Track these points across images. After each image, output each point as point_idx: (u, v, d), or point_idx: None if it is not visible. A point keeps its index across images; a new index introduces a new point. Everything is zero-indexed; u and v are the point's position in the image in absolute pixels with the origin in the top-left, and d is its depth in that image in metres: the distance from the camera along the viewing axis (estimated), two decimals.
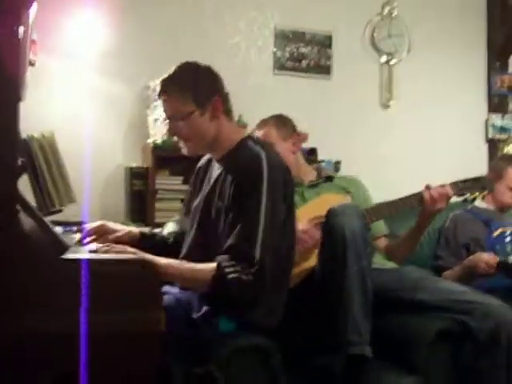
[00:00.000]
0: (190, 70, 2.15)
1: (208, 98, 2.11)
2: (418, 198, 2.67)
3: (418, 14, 4.35)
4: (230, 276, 1.91)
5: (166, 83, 2.14)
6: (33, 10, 1.59)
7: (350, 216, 2.25)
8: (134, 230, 2.40)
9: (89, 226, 2.29)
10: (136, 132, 3.68)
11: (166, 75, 2.15)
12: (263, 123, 2.83)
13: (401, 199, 2.73)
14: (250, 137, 2.23)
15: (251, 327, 2.10)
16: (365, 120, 4.20)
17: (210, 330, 2.07)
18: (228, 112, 2.19)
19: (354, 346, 2.18)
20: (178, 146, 2.25)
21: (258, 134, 2.77)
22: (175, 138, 2.23)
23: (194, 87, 2.10)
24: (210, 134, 2.15)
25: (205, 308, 2.08)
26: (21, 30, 1.43)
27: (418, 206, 2.69)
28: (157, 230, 2.51)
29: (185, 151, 2.21)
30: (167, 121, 2.18)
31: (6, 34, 1.38)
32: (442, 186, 2.67)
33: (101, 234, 2.27)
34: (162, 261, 1.93)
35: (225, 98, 2.18)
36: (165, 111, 2.18)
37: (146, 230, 2.48)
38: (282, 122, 2.83)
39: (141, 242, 2.31)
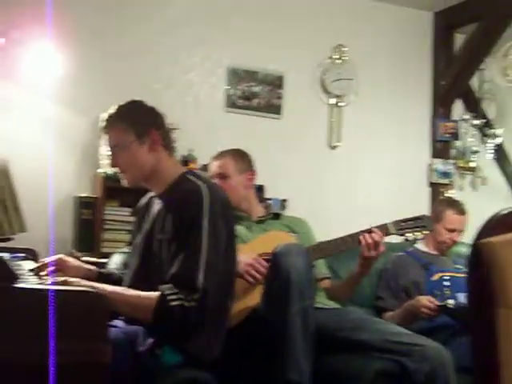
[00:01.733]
0: (133, 105, 2.26)
1: (147, 129, 2.18)
2: (356, 238, 2.74)
3: (367, 60, 4.50)
4: (173, 303, 1.94)
5: (110, 116, 2.24)
6: None
7: (296, 256, 2.30)
8: (92, 267, 2.42)
9: (48, 259, 2.29)
10: (87, 162, 3.69)
11: (111, 109, 2.23)
12: (221, 155, 2.88)
13: (341, 238, 2.79)
14: (190, 171, 2.30)
15: (193, 360, 2.11)
16: (312, 160, 4.29)
17: (154, 363, 2.07)
18: (168, 148, 2.24)
19: (295, 383, 2.22)
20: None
21: (215, 164, 2.82)
22: (117, 169, 2.28)
23: (134, 118, 2.20)
24: (148, 166, 2.20)
25: (149, 340, 2.09)
26: None
27: (357, 246, 2.75)
28: (112, 268, 2.52)
29: (125, 182, 2.26)
30: (109, 152, 2.24)
31: None
32: (382, 225, 2.75)
33: (59, 268, 2.27)
34: (108, 287, 1.98)
35: (165, 134, 2.24)
36: (108, 142, 2.24)
37: (104, 270, 2.50)
38: (240, 156, 2.88)
39: (98, 280, 2.32)
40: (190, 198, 2.08)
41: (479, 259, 0.77)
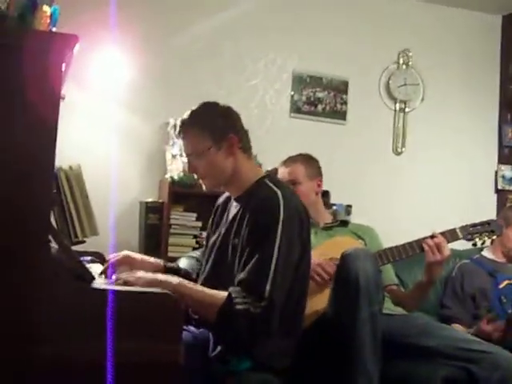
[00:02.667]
0: (208, 109, 2.22)
1: (224, 134, 2.15)
2: (419, 244, 2.72)
3: (433, 65, 4.45)
4: (239, 307, 1.94)
5: (185, 121, 2.20)
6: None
7: (364, 260, 2.29)
8: (159, 261, 2.45)
9: (114, 256, 2.33)
10: (154, 167, 3.76)
11: (185, 115, 2.22)
12: (291, 160, 2.89)
13: (405, 244, 2.77)
14: (268, 175, 2.29)
15: (264, 366, 2.12)
16: (377, 165, 4.28)
17: (223, 368, 2.09)
18: (246, 150, 2.23)
19: None
20: (196, 183, 2.31)
21: (285, 170, 2.84)
22: (195, 176, 2.29)
23: (210, 124, 2.16)
24: (227, 171, 2.19)
25: (220, 347, 2.11)
26: (64, 68, 1.50)
27: (420, 252, 2.73)
28: (180, 265, 2.55)
29: (204, 187, 2.26)
30: (186, 159, 2.25)
31: (53, 72, 1.45)
32: (450, 230, 2.72)
33: (126, 263, 2.32)
34: (174, 279, 1.99)
35: (242, 136, 2.22)
36: (184, 149, 2.25)
37: (172, 264, 2.52)
38: (309, 161, 2.90)
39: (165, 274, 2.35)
40: (267, 206, 2.08)
41: None
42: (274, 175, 2.58)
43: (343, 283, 2.30)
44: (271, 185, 2.17)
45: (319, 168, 2.93)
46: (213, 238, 2.33)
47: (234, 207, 2.27)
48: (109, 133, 3.65)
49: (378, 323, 2.27)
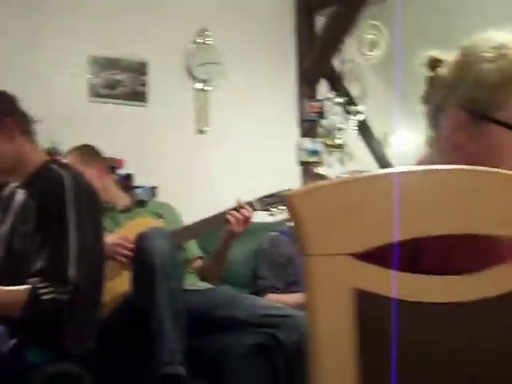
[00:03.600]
0: None
1: (0, 118, 2.09)
2: (223, 216, 2.79)
3: (231, 43, 4.53)
4: (45, 297, 1.90)
5: None
6: None
7: (159, 239, 2.32)
8: None
9: None
10: None
11: None
12: (67, 153, 2.89)
13: (208, 218, 2.83)
14: (54, 160, 2.24)
15: (64, 354, 2.08)
16: (181, 145, 4.29)
17: (18, 362, 2.03)
18: (27, 133, 2.16)
19: (167, 365, 2.23)
20: None
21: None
22: None
23: None
24: (9, 156, 2.12)
25: (13, 340, 2.03)
26: None
27: (224, 224, 2.80)
28: None
29: None
30: None
31: None
32: (247, 202, 2.81)
33: None
34: None
35: (21, 119, 2.15)
36: None
37: None
38: (84, 150, 2.89)
39: None
40: (53, 188, 2.03)
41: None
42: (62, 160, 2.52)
43: (139, 263, 2.32)
44: (56, 167, 2.12)
45: (97, 153, 2.93)
46: (1, 230, 2.24)
47: (19, 194, 2.20)
48: None
49: (178, 300, 2.30)
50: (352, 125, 4.92)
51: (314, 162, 4.83)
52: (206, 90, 4.45)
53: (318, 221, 0.79)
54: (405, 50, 1.36)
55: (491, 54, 1.16)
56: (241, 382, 2.52)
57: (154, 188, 3.92)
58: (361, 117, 4.91)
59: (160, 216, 2.92)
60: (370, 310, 0.81)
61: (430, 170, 0.91)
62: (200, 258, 3.01)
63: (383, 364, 0.82)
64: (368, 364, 0.81)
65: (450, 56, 1.23)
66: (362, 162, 4.89)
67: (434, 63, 1.24)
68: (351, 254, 0.80)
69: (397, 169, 0.87)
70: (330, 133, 4.90)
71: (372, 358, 0.81)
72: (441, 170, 0.91)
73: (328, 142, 4.91)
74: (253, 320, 2.61)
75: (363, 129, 5.01)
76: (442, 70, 1.22)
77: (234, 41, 4.55)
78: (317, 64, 4.84)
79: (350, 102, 4.94)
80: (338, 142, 4.91)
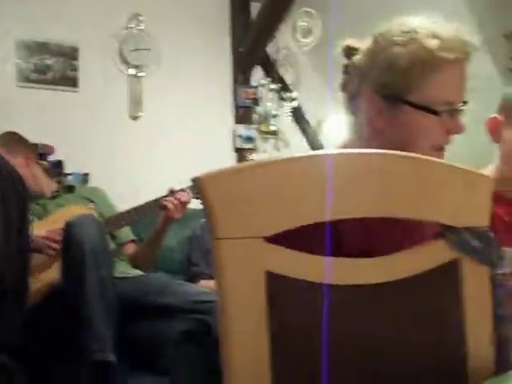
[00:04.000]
0: None
1: None
2: (158, 203, 2.78)
3: (165, 29, 4.48)
4: None
5: None
6: None
7: (88, 226, 2.29)
8: None
9: None
10: None
11: None
12: None
13: (143, 205, 2.82)
14: None
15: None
16: (114, 132, 4.23)
17: None
18: None
19: (96, 352, 2.21)
20: None
21: None
22: None
23: None
24: None
25: None
26: None
27: (161, 211, 2.79)
28: None
29: None
30: None
31: None
32: (181, 189, 2.80)
33: None
34: None
35: None
36: None
37: None
38: (7, 139, 2.82)
39: None
40: None
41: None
42: None
43: (68, 251, 2.29)
44: None
45: (21, 141, 2.87)
46: None
47: None
48: None
49: (108, 287, 2.28)
50: (286, 111, 4.95)
51: (248, 149, 4.84)
52: (139, 76, 4.39)
53: (228, 204, 0.79)
54: (338, 37, 1.38)
55: (402, 39, 1.18)
56: (173, 368, 2.52)
57: (85, 175, 3.87)
58: (295, 103, 4.95)
59: (91, 201, 2.89)
60: (282, 292, 0.83)
61: (346, 153, 0.93)
62: (133, 241, 2.99)
63: (295, 345, 0.83)
64: (280, 346, 0.82)
65: (365, 43, 1.25)
66: (297, 148, 4.93)
67: (350, 51, 1.27)
68: (263, 237, 0.81)
69: (311, 152, 0.88)
70: (264, 119, 4.92)
71: (284, 340, 0.83)
72: (356, 153, 0.93)
73: (263, 129, 4.92)
74: (184, 306, 2.61)
75: (297, 115, 5.04)
76: (357, 58, 1.24)
77: (167, 26, 4.51)
78: (252, 50, 4.83)
79: (285, 88, 4.97)
80: (272, 128, 4.94)
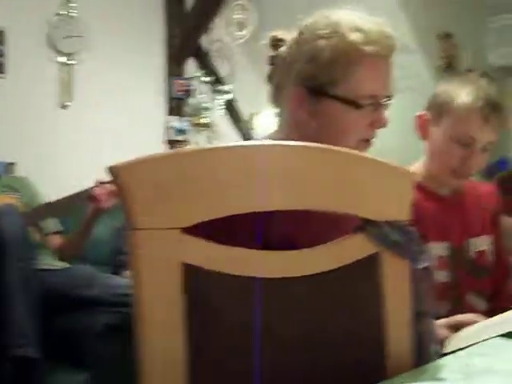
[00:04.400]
0: None
1: None
2: (87, 194, 2.73)
3: (98, 17, 4.39)
4: None
5: None
6: None
7: (8, 216, 2.22)
8: None
9: None
10: None
11: None
12: None
13: (71, 195, 2.76)
14: None
15: None
16: (42, 120, 4.12)
17: None
18: None
19: (18, 348, 2.16)
20: None
21: None
22: None
23: None
24: None
25: None
26: None
27: (88, 202, 2.75)
28: None
29: None
30: None
31: None
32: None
33: None
34: None
35: None
36: None
37: None
38: None
39: None
40: None
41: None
42: None
43: None
44: None
45: None
46: None
47: None
48: None
49: (31, 280, 2.23)
50: (219, 104, 4.92)
51: (181, 141, 4.80)
52: (70, 64, 4.29)
53: (145, 194, 0.77)
54: (272, 30, 1.37)
55: (326, 32, 1.18)
56: (98, 362, 2.49)
57: (11, 164, 3.75)
58: (228, 96, 4.93)
59: (16, 190, 2.81)
60: (200, 285, 0.81)
61: (268, 145, 0.92)
62: (59, 232, 2.93)
63: (212, 339, 0.82)
64: (196, 340, 0.80)
65: (291, 35, 1.24)
66: (229, 141, 4.91)
67: (276, 42, 1.26)
68: (180, 229, 0.79)
69: (232, 143, 0.87)
70: (197, 112, 4.89)
71: (200, 334, 0.81)
72: (278, 145, 0.92)
73: (195, 121, 4.89)
74: (110, 299, 2.58)
75: (230, 108, 5.03)
76: (283, 49, 1.24)
77: (99, 14, 4.41)
78: (186, 42, 4.79)
79: (218, 81, 4.94)
80: (205, 121, 4.91)
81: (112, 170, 0.77)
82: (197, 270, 0.79)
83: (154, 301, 0.78)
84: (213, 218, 0.81)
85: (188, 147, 4.73)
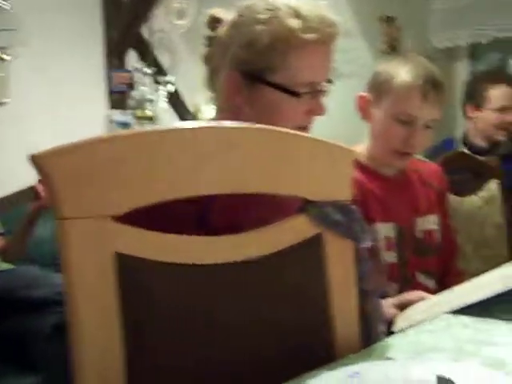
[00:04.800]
0: None
1: None
2: (28, 192, 2.66)
3: (33, 9, 4.27)
4: None
5: None
6: None
7: None
8: None
9: None
10: None
11: None
12: None
13: (12, 195, 2.69)
14: None
15: None
16: None
17: None
18: None
19: None
20: None
21: None
22: None
23: None
24: None
25: None
26: None
27: (31, 200, 2.68)
28: None
29: None
30: None
31: None
32: None
33: None
34: None
35: None
36: None
37: None
38: None
39: None
40: None
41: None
42: None
43: None
44: None
45: None
46: None
47: None
48: None
49: None
50: (162, 96, 4.85)
51: None
52: (4, 59, 4.17)
53: (71, 181, 0.73)
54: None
55: (264, 16, 1.14)
56: (46, 363, 2.44)
57: None
58: (171, 88, 4.85)
59: None
60: (134, 274, 0.77)
61: (200, 127, 0.88)
62: (1, 234, 2.85)
63: (150, 330, 0.79)
64: (132, 332, 0.77)
65: (230, 14, 1.20)
66: None
67: (214, 22, 1.22)
68: (111, 217, 0.76)
69: (162, 127, 0.83)
70: (140, 104, 4.81)
71: (135, 322, 0.77)
72: (212, 127, 0.89)
73: (139, 114, 4.81)
74: (57, 298, 2.52)
75: (174, 100, 4.96)
76: (221, 30, 1.20)
77: (34, 6, 4.29)
78: (125, 33, 4.71)
79: (160, 72, 4.87)
80: (148, 113, 4.83)
81: (34, 158, 0.73)
82: (132, 259, 0.76)
83: (85, 293, 0.74)
84: (145, 204, 0.77)
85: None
